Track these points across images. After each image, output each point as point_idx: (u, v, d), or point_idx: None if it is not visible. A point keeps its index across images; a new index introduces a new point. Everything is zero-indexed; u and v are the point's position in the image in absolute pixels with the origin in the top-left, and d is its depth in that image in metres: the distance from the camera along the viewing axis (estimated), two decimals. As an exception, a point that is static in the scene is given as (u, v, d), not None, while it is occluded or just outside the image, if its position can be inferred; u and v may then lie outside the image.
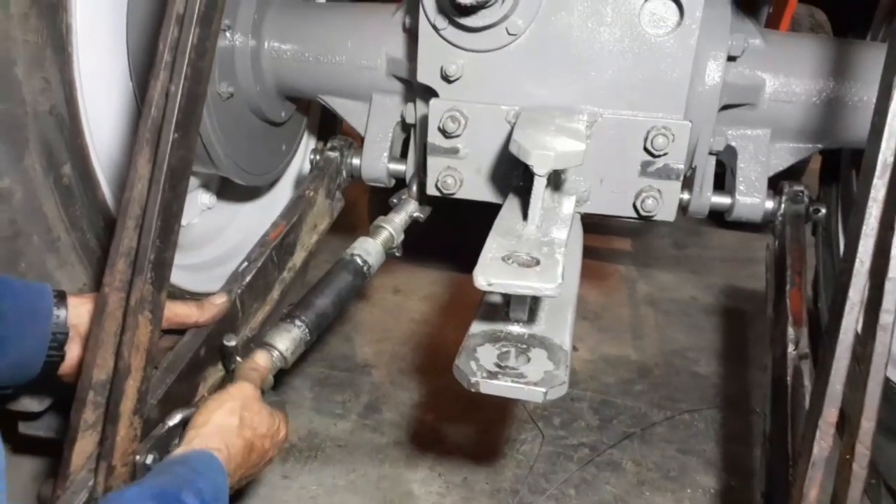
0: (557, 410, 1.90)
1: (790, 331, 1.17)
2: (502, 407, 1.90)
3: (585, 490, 1.67)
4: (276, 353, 1.14)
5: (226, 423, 0.96)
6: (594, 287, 2.53)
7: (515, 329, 1.09)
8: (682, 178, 1.27)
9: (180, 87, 0.88)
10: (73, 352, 1.00)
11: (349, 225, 1.40)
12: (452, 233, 2.00)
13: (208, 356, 1.14)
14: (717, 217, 1.52)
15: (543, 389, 0.95)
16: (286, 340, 1.16)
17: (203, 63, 0.91)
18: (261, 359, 1.11)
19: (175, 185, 0.90)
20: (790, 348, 1.14)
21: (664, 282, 2.61)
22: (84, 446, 0.91)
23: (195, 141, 0.94)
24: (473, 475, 1.70)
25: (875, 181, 0.82)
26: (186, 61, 0.88)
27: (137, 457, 0.93)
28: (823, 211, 1.51)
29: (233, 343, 1.11)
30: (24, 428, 1.31)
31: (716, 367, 2.14)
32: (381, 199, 1.54)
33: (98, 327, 0.89)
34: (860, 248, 0.81)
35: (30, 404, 1.19)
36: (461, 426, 1.85)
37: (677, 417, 1.91)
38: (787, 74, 1.44)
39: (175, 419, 1.00)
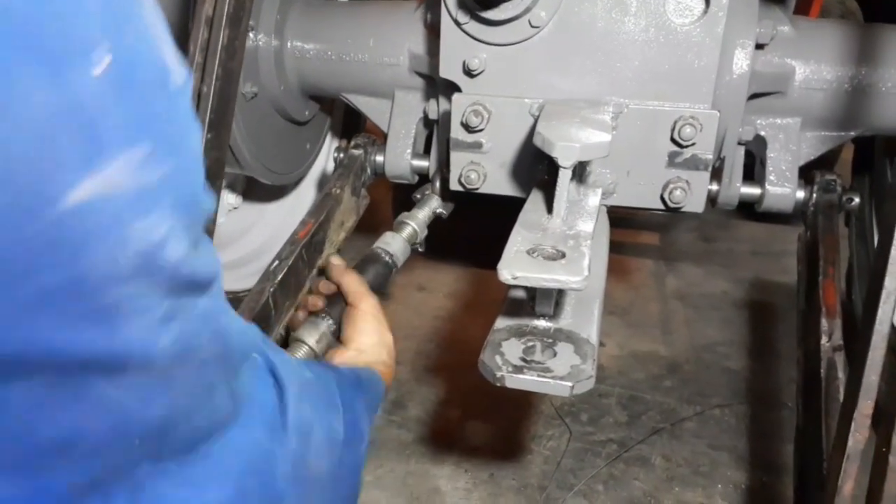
0: (585, 406, 1.89)
1: (823, 322, 1.15)
2: (528, 403, 1.89)
3: (614, 486, 1.65)
4: (305, 348, 1.15)
5: (378, 339, 1.08)
6: (622, 282, 2.51)
7: (541, 323, 1.08)
8: (710, 168, 1.25)
9: (212, 88, 0.89)
10: None
11: (373, 223, 1.40)
12: (476, 229, 2.00)
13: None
14: (747, 209, 1.49)
15: (570, 384, 0.94)
16: (315, 334, 1.17)
17: (233, 63, 0.92)
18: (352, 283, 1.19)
19: (210, 186, 0.91)
20: (823, 340, 1.12)
21: (693, 276, 2.58)
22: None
23: (227, 141, 0.95)
24: (500, 471, 1.69)
25: (911, 167, 0.80)
26: (217, 62, 0.89)
27: None
28: (857, 200, 1.47)
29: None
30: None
31: (747, 361, 2.10)
32: (404, 197, 1.54)
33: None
34: (896, 236, 0.79)
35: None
36: (487, 422, 1.84)
37: (707, 412, 1.88)
38: (818, 61, 1.41)
39: None
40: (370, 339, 1.10)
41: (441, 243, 1.53)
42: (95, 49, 0.40)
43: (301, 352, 1.15)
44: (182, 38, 1.19)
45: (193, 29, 0.90)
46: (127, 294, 0.44)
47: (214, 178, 0.91)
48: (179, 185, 0.46)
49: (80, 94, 0.39)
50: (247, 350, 0.64)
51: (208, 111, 0.89)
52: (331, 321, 1.18)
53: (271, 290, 1.24)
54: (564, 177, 1.02)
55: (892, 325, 0.81)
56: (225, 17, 0.89)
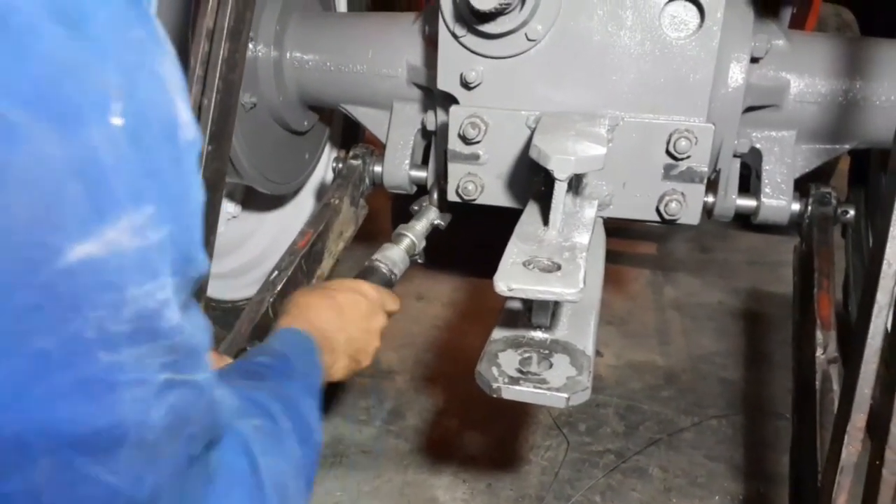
0: (583, 416, 1.89)
1: (818, 334, 1.15)
2: (526, 413, 1.89)
3: (611, 497, 1.65)
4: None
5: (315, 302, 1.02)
6: (619, 292, 2.51)
7: (537, 335, 1.09)
8: (705, 180, 1.26)
9: (213, 100, 0.90)
10: None
11: (372, 232, 1.40)
12: (475, 238, 2.00)
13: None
14: (744, 220, 1.50)
15: (566, 395, 0.95)
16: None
17: (234, 76, 0.93)
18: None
19: (211, 197, 0.92)
20: (818, 352, 1.13)
21: (690, 286, 2.58)
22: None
23: (228, 152, 0.96)
24: (498, 481, 1.69)
25: (902, 182, 0.81)
26: (218, 75, 0.90)
27: None
28: (852, 213, 1.48)
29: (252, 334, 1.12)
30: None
31: (744, 372, 2.10)
32: (403, 207, 1.54)
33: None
34: (888, 250, 0.80)
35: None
36: (485, 432, 1.84)
37: (705, 423, 1.88)
38: (812, 75, 1.43)
39: None
40: (320, 304, 1.05)
41: (439, 253, 1.53)
42: (110, 104, 0.39)
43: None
44: (182, 51, 1.20)
45: (194, 42, 0.91)
46: (123, 362, 0.42)
47: (215, 189, 0.92)
48: (178, 247, 0.45)
49: (89, 150, 0.39)
50: (230, 419, 0.61)
51: (209, 123, 0.90)
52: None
53: (271, 300, 1.25)
54: (560, 189, 1.03)
55: (885, 337, 0.82)
56: (226, 31, 0.90)
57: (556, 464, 1.74)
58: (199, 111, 0.90)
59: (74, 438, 0.41)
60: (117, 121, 0.40)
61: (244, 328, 1.18)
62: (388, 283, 1.33)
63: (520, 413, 1.89)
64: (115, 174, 0.40)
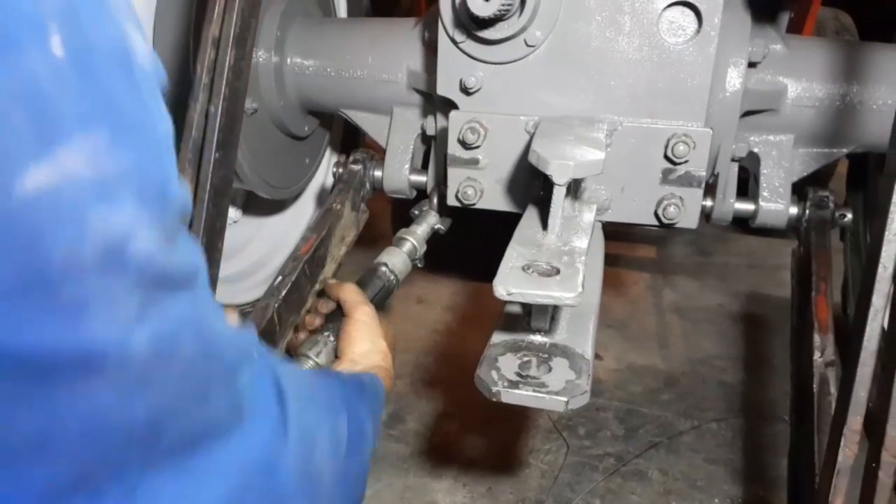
0: (582, 420, 1.89)
1: (816, 338, 1.16)
2: (526, 417, 1.90)
3: (611, 500, 1.66)
4: (309, 363, 1.16)
5: (370, 346, 1.10)
6: (619, 295, 2.52)
7: (536, 339, 1.09)
8: (703, 185, 1.26)
9: (220, 108, 0.91)
10: None
11: (373, 236, 1.41)
12: (475, 242, 2.01)
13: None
14: (743, 223, 1.50)
15: (565, 398, 0.95)
16: (316, 347, 1.18)
17: (240, 83, 0.94)
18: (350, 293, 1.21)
19: (218, 203, 0.93)
20: (816, 356, 1.13)
21: (690, 289, 2.59)
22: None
23: (235, 160, 0.96)
24: (498, 485, 1.69)
25: (897, 185, 0.81)
26: (224, 82, 0.91)
27: None
28: (849, 216, 1.49)
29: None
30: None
31: (743, 375, 2.11)
32: (403, 211, 1.55)
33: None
34: (883, 253, 0.80)
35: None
36: (485, 436, 1.85)
37: (704, 426, 1.89)
38: (810, 79, 1.43)
39: None
40: (362, 348, 1.11)
41: (440, 257, 1.54)
42: (48, 31, 0.39)
43: (306, 366, 1.16)
44: (184, 57, 1.21)
45: (200, 50, 0.92)
46: (93, 287, 0.42)
47: (221, 196, 0.92)
48: (144, 176, 0.45)
49: (31, 77, 0.39)
50: (242, 352, 0.62)
51: (216, 130, 0.90)
52: (331, 335, 1.20)
53: (276, 305, 1.25)
54: (559, 194, 1.04)
55: (881, 340, 0.82)
56: (231, 38, 0.90)
57: (555, 467, 1.74)
58: (206, 119, 0.91)
59: (47, 355, 0.42)
60: (57, 47, 0.40)
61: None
62: (390, 286, 1.34)
63: (520, 417, 1.90)
64: (60, 100, 0.40)
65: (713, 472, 1.74)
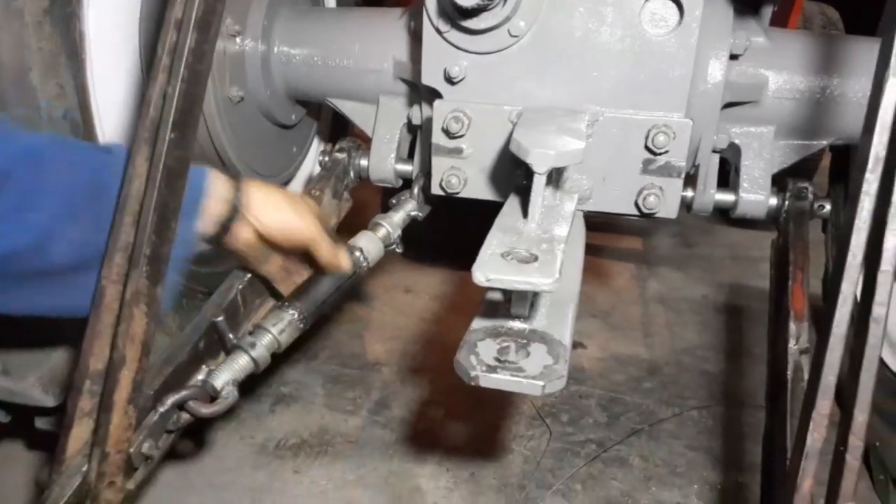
0: (566, 407, 1.92)
1: (792, 326, 1.18)
2: (510, 403, 1.92)
3: (592, 485, 1.68)
4: (268, 337, 1.16)
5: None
6: (604, 285, 2.54)
7: (516, 325, 1.11)
8: (683, 175, 1.28)
9: (177, 90, 0.91)
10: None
11: (360, 227, 1.42)
12: (462, 233, 2.03)
13: (207, 349, 1.17)
14: (727, 215, 1.53)
15: (542, 383, 0.97)
16: (279, 324, 1.18)
17: (201, 66, 0.94)
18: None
19: (172, 183, 0.93)
20: (791, 343, 1.15)
21: (674, 280, 2.62)
22: (80, 433, 0.94)
23: (193, 142, 0.97)
24: (481, 470, 1.72)
25: (867, 175, 0.83)
26: (184, 65, 0.91)
27: (132, 447, 0.96)
28: (828, 207, 1.51)
29: (220, 318, 1.13)
30: (41, 423, 1.36)
31: (725, 364, 2.14)
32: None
33: (95, 318, 0.92)
34: (853, 241, 0.82)
35: (44, 399, 1.22)
36: (469, 423, 1.87)
37: (685, 414, 1.92)
38: (791, 72, 1.45)
39: (166, 405, 1.03)
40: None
41: (427, 247, 1.55)
42: None
43: (265, 339, 1.16)
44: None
45: (163, 31, 0.92)
46: None
47: (177, 176, 0.93)
48: None
49: None
50: None
51: (172, 111, 0.91)
52: (295, 313, 1.20)
53: (240, 286, 1.26)
54: (539, 182, 1.05)
55: (851, 324, 0.84)
56: (193, 21, 0.91)
57: (538, 453, 1.77)
58: (164, 99, 0.91)
59: None
60: None
61: (210, 312, 1.19)
62: (361, 270, 1.34)
63: (504, 404, 1.92)
64: None
65: (693, 459, 1.77)
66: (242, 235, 1.09)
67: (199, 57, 0.92)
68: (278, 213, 1.12)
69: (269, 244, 1.15)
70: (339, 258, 1.24)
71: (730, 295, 2.52)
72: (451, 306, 2.42)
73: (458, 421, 1.88)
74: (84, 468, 0.92)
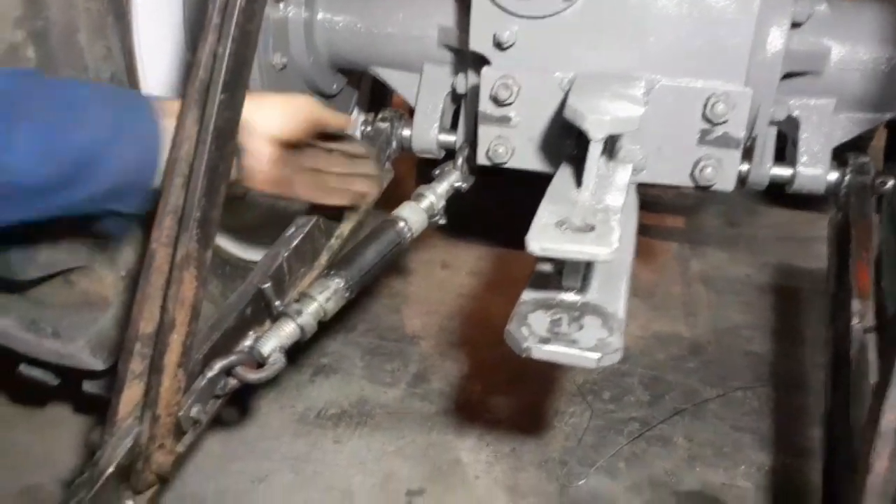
0: (607, 385, 1.89)
1: (855, 303, 1.14)
2: (550, 380, 1.90)
3: (635, 463, 1.66)
4: (314, 304, 1.15)
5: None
6: (646, 264, 2.49)
7: (568, 297, 1.08)
8: (741, 146, 1.24)
9: (228, 50, 0.90)
10: None
11: (399, 199, 1.40)
12: (499, 208, 2.00)
13: (253, 315, 1.16)
14: (773, 194, 1.47)
15: (597, 355, 0.94)
16: (325, 292, 1.16)
17: (251, 26, 0.92)
18: None
19: (221, 146, 0.92)
20: (855, 321, 1.11)
21: (718, 260, 2.55)
22: (131, 396, 0.95)
23: (242, 104, 0.95)
24: (521, 446, 1.70)
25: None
26: (234, 24, 0.90)
27: (181, 411, 0.96)
28: (891, 183, 1.45)
29: (267, 285, 1.12)
30: (88, 386, 1.37)
31: (770, 345, 2.09)
32: (428, 174, 1.53)
33: (145, 281, 0.92)
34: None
35: (93, 362, 1.23)
36: (509, 398, 1.85)
37: (730, 395, 1.87)
38: (854, 42, 1.39)
39: (214, 369, 1.02)
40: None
41: (464, 222, 1.52)
42: None
43: (311, 307, 1.14)
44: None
45: None
46: None
47: (226, 138, 0.92)
48: None
49: None
50: None
51: (223, 71, 0.89)
52: (340, 281, 1.18)
53: (286, 254, 1.25)
54: (595, 150, 1.02)
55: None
56: (244, -21, 0.89)
57: (579, 430, 1.74)
58: (213, 59, 0.90)
59: None
60: None
61: (257, 279, 1.18)
62: (404, 241, 1.32)
63: (543, 380, 1.89)
64: None
65: (739, 440, 1.73)
66: (262, 150, 1.05)
67: (249, 16, 0.90)
68: (274, 109, 1.08)
69: (287, 146, 1.10)
70: (341, 117, 1.23)
71: (775, 275, 2.46)
72: (489, 283, 2.39)
73: (498, 396, 1.86)
74: (135, 430, 0.92)
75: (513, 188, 1.35)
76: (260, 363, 1.07)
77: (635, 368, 1.96)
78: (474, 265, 2.47)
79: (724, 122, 1.22)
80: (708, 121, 1.22)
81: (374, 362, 1.97)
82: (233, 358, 1.04)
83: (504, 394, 1.86)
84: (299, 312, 1.12)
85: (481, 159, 1.36)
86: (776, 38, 1.31)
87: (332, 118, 1.19)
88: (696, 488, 1.62)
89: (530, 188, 1.15)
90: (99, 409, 1.68)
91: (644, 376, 1.94)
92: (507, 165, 1.35)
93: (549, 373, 1.90)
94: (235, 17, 0.89)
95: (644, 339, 2.10)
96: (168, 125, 0.93)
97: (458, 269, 2.45)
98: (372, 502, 1.58)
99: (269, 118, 1.06)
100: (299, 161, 1.15)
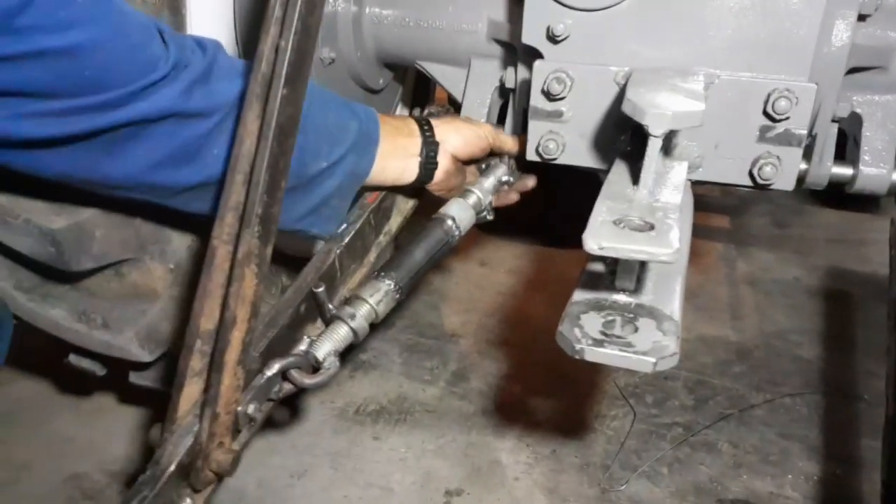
0: (650, 388, 1.85)
1: (920, 310, 1.09)
2: (591, 382, 1.87)
3: (679, 469, 1.62)
4: (366, 307, 1.14)
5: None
6: (691, 265, 2.43)
7: (621, 298, 1.05)
8: (803, 144, 1.19)
9: (290, 42, 0.88)
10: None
11: (443, 200, 1.39)
12: (538, 207, 1.97)
13: (307, 313, 1.15)
14: (822, 196, 1.42)
15: (653, 359, 0.91)
16: (376, 294, 1.15)
17: (312, 18, 0.91)
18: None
19: (283, 142, 0.90)
20: (921, 328, 1.06)
21: (765, 261, 2.49)
22: (190, 393, 0.94)
23: (303, 98, 0.94)
24: (562, 448, 1.67)
25: None
26: (297, 16, 0.88)
27: (239, 407, 0.95)
28: (957, 185, 1.39)
29: (321, 289, 1.11)
30: (135, 378, 1.38)
31: (820, 351, 2.03)
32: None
33: (206, 277, 0.91)
34: None
35: (141, 354, 1.24)
36: (549, 399, 1.83)
37: (778, 401, 1.82)
38: (924, 36, 1.33)
39: (273, 369, 1.01)
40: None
41: (502, 222, 1.50)
42: None
43: (363, 309, 1.13)
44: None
45: None
46: None
47: (288, 133, 0.90)
48: None
49: None
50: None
51: (285, 65, 0.88)
52: (391, 283, 1.17)
53: (338, 251, 1.24)
54: (654, 146, 0.99)
55: None
56: (306, -29, 0.87)
57: (622, 434, 1.71)
58: (276, 53, 0.88)
59: None
60: None
61: (310, 277, 1.17)
62: (452, 238, 1.30)
63: (585, 382, 1.86)
64: None
65: (787, 448, 1.68)
66: (448, 167, 1.28)
67: (310, 9, 0.89)
68: (459, 132, 1.31)
69: (464, 163, 1.34)
70: (514, 141, 1.41)
71: (825, 279, 2.39)
72: (528, 282, 2.37)
73: (538, 397, 1.83)
74: (195, 428, 0.91)
75: (552, 186, 1.32)
76: (315, 367, 1.06)
77: (679, 372, 1.92)
78: (512, 263, 2.45)
79: (786, 119, 1.17)
80: (769, 117, 1.17)
81: (413, 359, 1.96)
82: (290, 359, 1.02)
83: (544, 395, 1.83)
84: (352, 316, 1.11)
85: (531, 155, 1.33)
86: (842, 31, 1.26)
87: (508, 143, 1.40)
88: (742, 497, 1.57)
89: (572, 189, 1.13)
90: (143, 401, 1.70)
91: (688, 380, 1.89)
92: (557, 161, 1.32)
93: (591, 375, 1.87)
94: (298, 8, 0.88)
95: (689, 341, 2.06)
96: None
97: (497, 266, 2.43)
98: (411, 501, 1.57)
99: (459, 141, 1.30)
100: (465, 171, 1.37)
